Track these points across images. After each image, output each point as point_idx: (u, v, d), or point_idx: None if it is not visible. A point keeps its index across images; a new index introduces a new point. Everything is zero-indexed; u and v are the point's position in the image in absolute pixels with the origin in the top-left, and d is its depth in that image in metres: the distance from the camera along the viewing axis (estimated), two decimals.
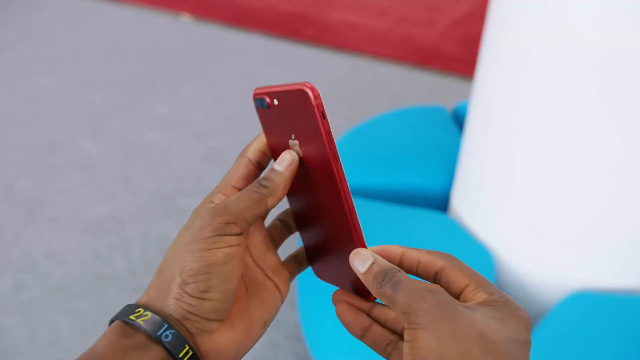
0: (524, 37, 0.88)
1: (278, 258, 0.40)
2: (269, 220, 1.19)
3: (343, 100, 2.13)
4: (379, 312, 0.37)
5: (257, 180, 0.38)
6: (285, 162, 0.37)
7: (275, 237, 0.41)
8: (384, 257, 0.36)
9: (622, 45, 0.79)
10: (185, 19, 2.77)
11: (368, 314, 0.37)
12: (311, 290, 1.05)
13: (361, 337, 0.36)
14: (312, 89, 0.35)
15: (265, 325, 0.38)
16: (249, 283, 0.38)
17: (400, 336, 0.36)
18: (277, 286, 0.39)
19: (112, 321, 0.34)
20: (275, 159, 0.39)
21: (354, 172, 1.30)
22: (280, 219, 0.42)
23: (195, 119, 2.01)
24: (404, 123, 1.48)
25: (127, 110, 2.05)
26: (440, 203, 1.29)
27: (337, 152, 0.35)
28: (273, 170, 0.38)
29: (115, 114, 2.03)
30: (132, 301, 0.82)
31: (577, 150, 0.89)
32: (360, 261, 0.35)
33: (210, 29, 2.67)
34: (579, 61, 0.83)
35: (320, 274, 0.41)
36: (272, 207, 0.37)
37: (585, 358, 0.90)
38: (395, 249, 0.36)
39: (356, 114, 2.04)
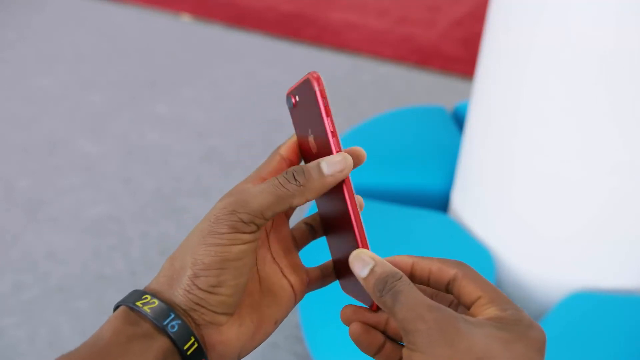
0: (524, 37, 0.88)
1: (298, 259, 0.39)
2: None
3: (343, 100, 2.13)
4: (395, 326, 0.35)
5: (291, 169, 0.34)
6: (336, 166, 0.33)
7: (298, 238, 0.39)
8: None
9: (622, 45, 0.79)
10: (185, 19, 2.77)
11: (385, 328, 0.35)
12: None
13: (374, 355, 0.35)
14: (317, 78, 0.33)
15: (276, 324, 0.37)
16: (264, 279, 0.37)
17: None
18: (292, 286, 0.38)
19: (117, 306, 0.33)
20: (305, 161, 0.37)
21: (354, 172, 1.30)
22: (307, 222, 0.40)
23: (195, 119, 2.01)
24: (404, 123, 1.48)
25: (127, 110, 2.05)
26: (440, 203, 1.29)
27: (339, 142, 0.34)
28: (317, 167, 0.34)
29: (115, 114, 2.03)
30: None
31: (577, 150, 0.89)
32: (360, 264, 0.33)
33: (210, 29, 2.67)
34: (579, 61, 0.83)
35: (344, 288, 0.39)
36: (297, 206, 0.34)
37: (585, 358, 0.90)
38: (405, 260, 0.34)
39: (356, 114, 2.03)
